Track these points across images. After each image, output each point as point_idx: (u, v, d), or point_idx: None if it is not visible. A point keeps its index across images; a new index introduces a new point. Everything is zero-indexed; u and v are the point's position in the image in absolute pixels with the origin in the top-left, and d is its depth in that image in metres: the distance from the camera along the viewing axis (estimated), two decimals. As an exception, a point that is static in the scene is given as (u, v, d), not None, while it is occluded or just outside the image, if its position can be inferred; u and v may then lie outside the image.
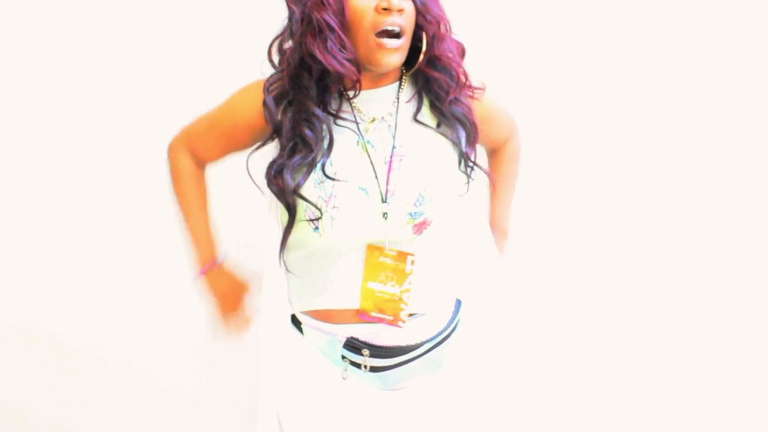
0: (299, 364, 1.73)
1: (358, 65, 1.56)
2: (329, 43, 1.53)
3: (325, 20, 1.52)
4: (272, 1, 1.67)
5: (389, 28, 1.53)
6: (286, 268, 1.70)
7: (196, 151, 1.81)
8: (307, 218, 1.61)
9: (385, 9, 1.52)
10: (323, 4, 1.53)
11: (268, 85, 1.63)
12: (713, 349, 2.55)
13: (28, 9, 2.42)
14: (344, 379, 1.70)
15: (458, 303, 1.74)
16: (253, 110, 1.67)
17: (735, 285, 2.53)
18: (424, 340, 1.68)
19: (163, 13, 2.42)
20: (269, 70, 1.65)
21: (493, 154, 1.91)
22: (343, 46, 1.53)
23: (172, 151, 1.84)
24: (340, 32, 1.53)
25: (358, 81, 1.57)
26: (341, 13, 1.53)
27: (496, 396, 1.81)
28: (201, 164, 1.84)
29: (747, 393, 2.56)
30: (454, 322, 1.72)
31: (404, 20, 1.54)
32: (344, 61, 1.53)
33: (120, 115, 2.46)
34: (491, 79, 1.75)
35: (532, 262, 2.45)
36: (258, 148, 1.68)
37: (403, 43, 1.55)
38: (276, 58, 1.64)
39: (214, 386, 2.59)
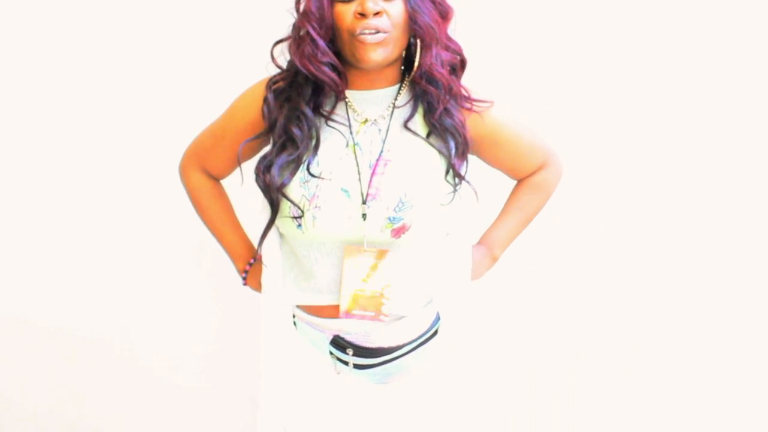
0: (293, 356, 1.77)
1: (340, 70, 1.61)
2: (306, 49, 1.59)
3: (305, 28, 1.59)
4: (278, 5, 1.73)
5: (365, 32, 1.55)
6: (263, 261, 1.75)
7: (208, 167, 1.86)
8: (291, 215, 1.66)
9: (361, 14, 1.56)
10: (307, 14, 1.59)
11: (271, 84, 1.69)
12: (710, 353, 2.53)
13: (43, 13, 2.43)
14: (338, 374, 1.75)
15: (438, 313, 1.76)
16: (256, 109, 1.71)
17: (731, 287, 2.49)
18: (406, 341, 1.72)
19: (173, 14, 2.42)
20: (274, 70, 1.70)
21: (520, 182, 1.90)
22: (322, 53, 1.58)
23: (184, 171, 1.88)
24: (318, 39, 1.58)
25: (336, 84, 1.61)
26: (322, 20, 1.58)
27: (480, 393, 1.82)
28: (216, 178, 1.88)
29: (747, 394, 2.52)
30: (435, 327, 1.75)
31: (383, 22, 1.56)
32: (321, 66, 1.59)
33: (126, 113, 2.45)
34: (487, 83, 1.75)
35: (524, 263, 2.44)
36: (251, 140, 1.72)
37: (383, 39, 1.57)
38: (282, 60, 1.69)
39: (215, 381, 2.60)
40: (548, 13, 2.39)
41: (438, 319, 1.75)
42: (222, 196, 1.90)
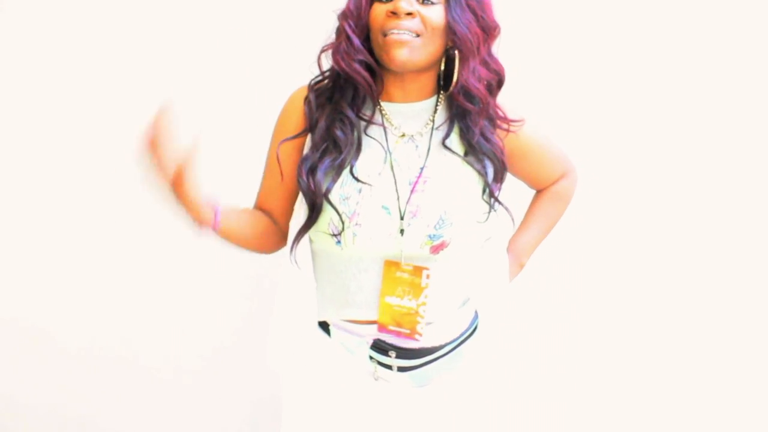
0: (327, 364, 1.75)
1: (372, 69, 1.62)
2: (341, 46, 1.61)
3: (342, 26, 1.62)
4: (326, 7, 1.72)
5: (396, 31, 1.56)
6: (297, 264, 1.70)
7: (266, 206, 1.78)
8: (330, 232, 1.64)
9: (393, 13, 1.57)
10: (345, 13, 1.62)
11: (312, 83, 1.70)
12: (712, 355, 2.54)
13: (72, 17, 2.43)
14: (376, 379, 1.73)
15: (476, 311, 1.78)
16: (298, 115, 1.70)
17: (732, 289, 2.50)
18: (447, 341, 1.72)
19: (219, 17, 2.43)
20: (316, 70, 1.69)
21: (539, 191, 1.93)
22: (356, 50, 1.59)
23: None
24: (353, 37, 1.59)
25: (368, 83, 1.61)
26: (359, 19, 1.60)
27: (512, 393, 1.83)
28: (274, 221, 1.79)
29: (747, 396, 2.54)
30: (475, 324, 1.77)
31: (416, 24, 1.57)
32: (353, 63, 1.60)
33: (127, 113, 2.41)
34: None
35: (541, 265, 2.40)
36: (290, 139, 1.69)
37: (413, 40, 1.57)
38: (325, 63, 1.68)
39: (216, 383, 2.59)
40: (559, 29, 2.41)
41: (476, 317, 1.77)
42: (250, 219, 1.76)
